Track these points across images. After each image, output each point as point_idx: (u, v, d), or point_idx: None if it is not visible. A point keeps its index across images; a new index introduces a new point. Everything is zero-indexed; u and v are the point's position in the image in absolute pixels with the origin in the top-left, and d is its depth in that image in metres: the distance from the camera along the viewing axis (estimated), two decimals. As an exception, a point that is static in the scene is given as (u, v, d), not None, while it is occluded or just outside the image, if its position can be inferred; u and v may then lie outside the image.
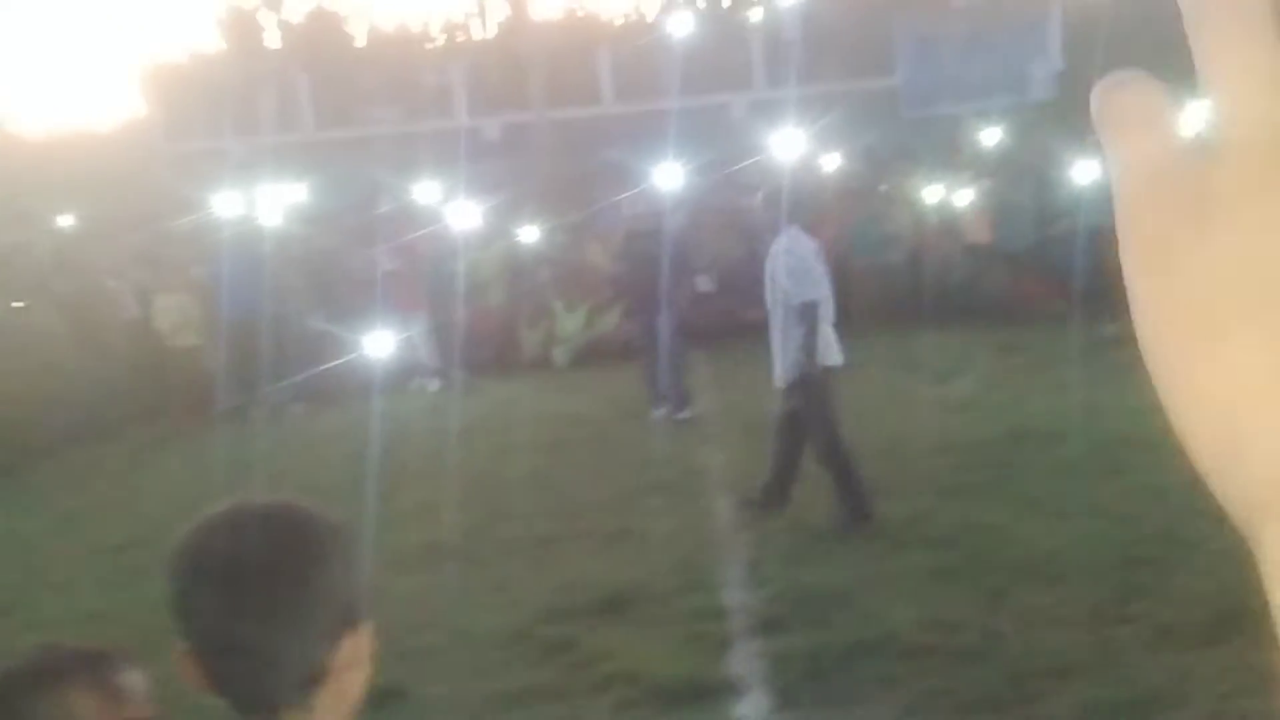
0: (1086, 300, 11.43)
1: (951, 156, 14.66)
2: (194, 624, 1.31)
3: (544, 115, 19.00)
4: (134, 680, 1.77)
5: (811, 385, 6.86)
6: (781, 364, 6.98)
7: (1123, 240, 0.40)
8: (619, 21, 22.89)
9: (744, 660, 5.33)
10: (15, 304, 11.71)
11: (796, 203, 7.13)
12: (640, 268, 10.66)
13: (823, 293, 6.91)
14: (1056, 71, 20.69)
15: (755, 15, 21.35)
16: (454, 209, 12.72)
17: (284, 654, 1.30)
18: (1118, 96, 0.42)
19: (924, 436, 8.68)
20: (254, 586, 1.29)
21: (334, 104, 21.28)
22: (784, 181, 7.31)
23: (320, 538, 1.35)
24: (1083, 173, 12.69)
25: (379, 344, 10.85)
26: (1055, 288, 12.85)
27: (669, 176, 11.06)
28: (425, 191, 13.78)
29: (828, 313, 6.97)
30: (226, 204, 12.58)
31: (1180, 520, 6.33)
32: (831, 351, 6.99)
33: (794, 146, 10.07)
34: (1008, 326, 12.07)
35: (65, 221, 13.50)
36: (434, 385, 12.69)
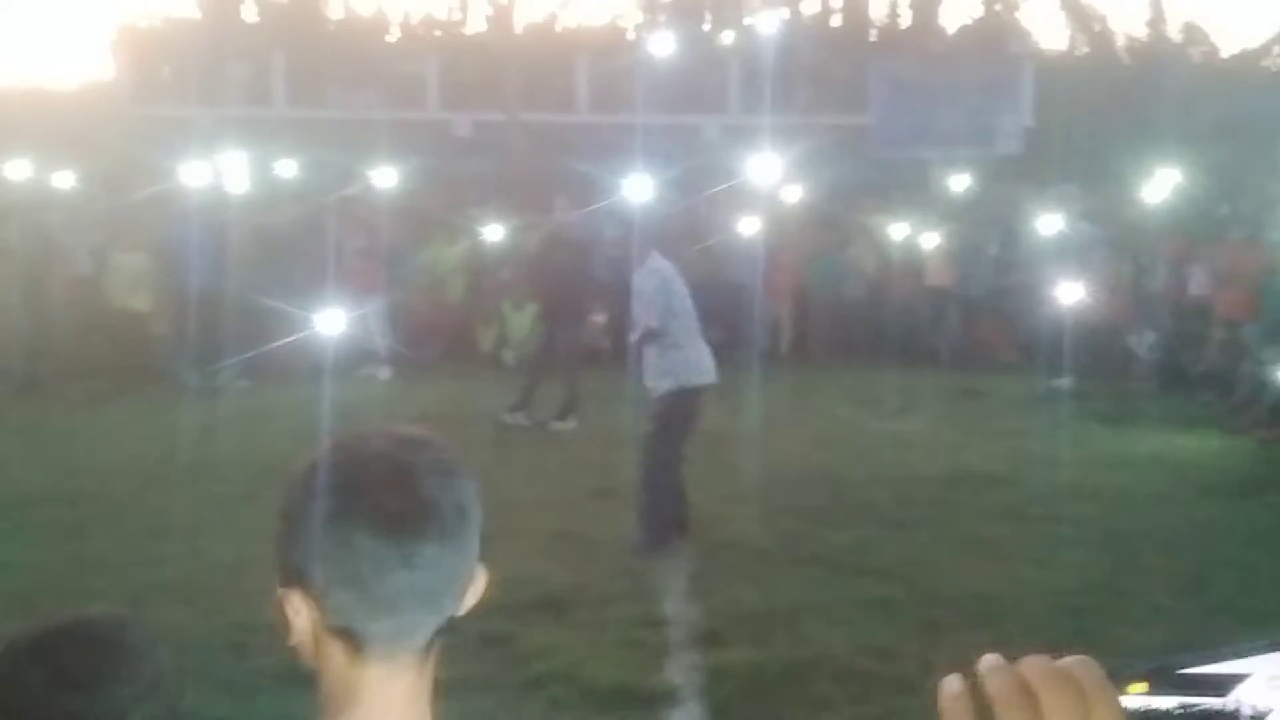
0: (1040, 351, 11.57)
1: (918, 198, 14.79)
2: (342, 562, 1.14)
3: (516, 116, 18.94)
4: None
5: (668, 402, 6.84)
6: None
7: None
8: (599, 34, 22.95)
9: (680, 671, 5.28)
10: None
11: (649, 232, 7.25)
12: (551, 275, 10.65)
13: (674, 315, 6.87)
14: (1024, 128, 21.02)
15: (734, 41, 21.49)
16: (421, 199, 12.63)
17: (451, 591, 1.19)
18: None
19: (869, 470, 8.72)
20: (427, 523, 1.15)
21: (306, 83, 21.09)
22: (636, 218, 7.44)
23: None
24: (1045, 226, 12.86)
25: (331, 324, 10.68)
26: (1011, 336, 13.00)
27: (635, 190, 11.07)
28: (392, 179, 13.65)
29: (687, 330, 6.92)
30: (190, 173, 12.38)
31: (1120, 573, 6.40)
32: (695, 371, 6.92)
33: (768, 172, 10.11)
34: (962, 370, 12.17)
35: (18, 173, 13.17)
36: (384, 373, 12.56)
